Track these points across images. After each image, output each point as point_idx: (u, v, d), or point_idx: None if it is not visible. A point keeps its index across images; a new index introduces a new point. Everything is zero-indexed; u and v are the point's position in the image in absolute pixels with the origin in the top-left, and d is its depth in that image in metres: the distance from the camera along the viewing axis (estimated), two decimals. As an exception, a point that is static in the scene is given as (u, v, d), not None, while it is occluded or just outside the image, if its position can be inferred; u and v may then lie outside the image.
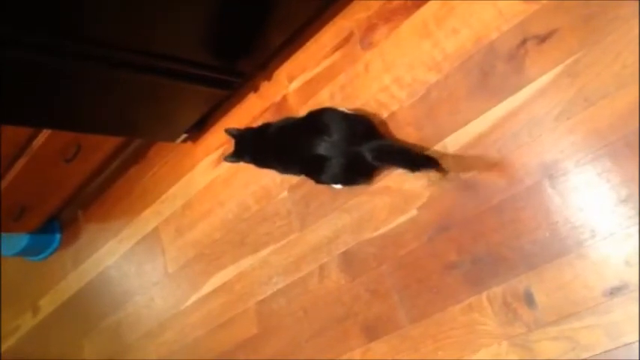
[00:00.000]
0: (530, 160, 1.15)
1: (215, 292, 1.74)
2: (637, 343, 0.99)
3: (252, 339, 1.61)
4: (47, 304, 2.35)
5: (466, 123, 1.24)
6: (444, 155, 1.26)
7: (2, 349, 2.54)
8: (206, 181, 1.80)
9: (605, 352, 1.02)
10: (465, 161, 1.24)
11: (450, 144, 1.27)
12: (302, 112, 1.53)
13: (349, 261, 1.42)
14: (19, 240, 2.24)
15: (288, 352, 1.52)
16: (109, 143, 1.83)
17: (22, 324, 2.47)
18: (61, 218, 2.32)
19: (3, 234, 2.19)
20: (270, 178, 1.61)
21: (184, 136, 1.81)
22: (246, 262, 1.65)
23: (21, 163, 1.81)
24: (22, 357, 2.47)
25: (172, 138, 1.81)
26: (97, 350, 2.11)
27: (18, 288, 2.48)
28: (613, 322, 1.02)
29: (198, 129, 1.81)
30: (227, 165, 1.73)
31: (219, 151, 1.77)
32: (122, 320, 2.02)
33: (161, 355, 1.87)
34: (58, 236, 2.30)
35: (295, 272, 1.53)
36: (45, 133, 1.68)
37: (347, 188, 1.42)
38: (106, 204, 2.13)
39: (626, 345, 1.00)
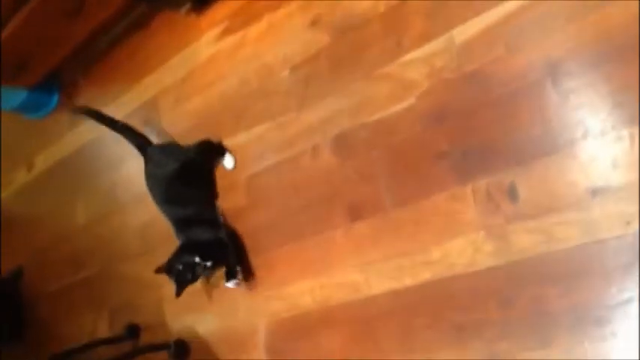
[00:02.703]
0: (536, 57, 1.14)
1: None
2: (610, 241, 1.03)
3: (239, 209, 1.64)
4: (42, 162, 2.37)
5: (477, 14, 1.22)
6: (451, 45, 1.25)
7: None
8: (209, 54, 1.78)
9: (577, 246, 1.06)
10: (470, 53, 1.23)
11: (458, 35, 1.25)
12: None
13: (342, 143, 1.44)
14: (18, 95, 2.23)
15: (273, 224, 1.56)
16: (113, 2, 1.80)
17: (16, 179, 2.50)
18: (61, 79, 2.30)
19: (2, 87, 2.17)
20: (273, 55, 1.59)
21: (188, 5, 1.77)
22: (241, 137, 1.66)
23: (23, 13, 1.78)
24: (14, 211, 2.51)
25: (177, 5, 1.78)
26: (91, 209, 2.16)
27: (14, 143, 2.48)
28: (591, 219, 1.06)
29: (202, 2, 1.77)
30: (231, 39, 1.71)
31: (224, 24, 1.74)
32: (117, 181, 2.05)
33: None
34: (56, 96, 2.29)
35: (288, 150, 1.54)
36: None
37: (348, 73, 1.41)
38: (106, 67, 2.11)
39: (598, 241, 1.04)
